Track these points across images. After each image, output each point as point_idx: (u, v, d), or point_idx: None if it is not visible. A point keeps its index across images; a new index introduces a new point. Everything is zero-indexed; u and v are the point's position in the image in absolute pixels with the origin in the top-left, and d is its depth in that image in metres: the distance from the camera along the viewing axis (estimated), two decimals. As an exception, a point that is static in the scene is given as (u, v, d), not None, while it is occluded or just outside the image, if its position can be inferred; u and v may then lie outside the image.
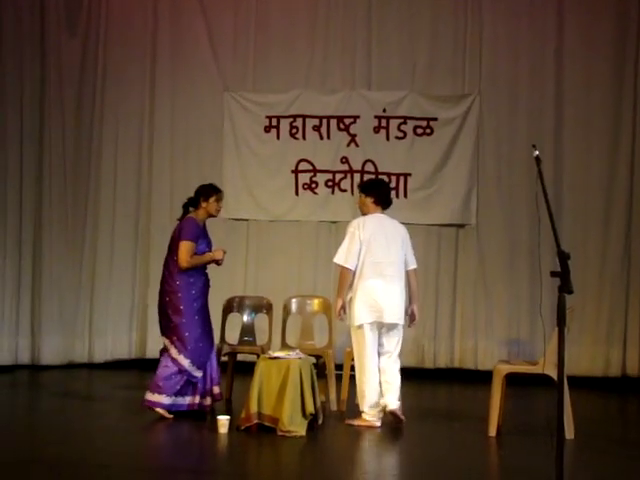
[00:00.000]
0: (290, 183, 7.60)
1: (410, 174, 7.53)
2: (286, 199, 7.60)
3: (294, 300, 6.37)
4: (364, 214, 5.26)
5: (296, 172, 7.62)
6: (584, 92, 7.38)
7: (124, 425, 5.39)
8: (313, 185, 7.60)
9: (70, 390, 6.58)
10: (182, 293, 5.34)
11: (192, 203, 5.47)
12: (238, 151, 7.60)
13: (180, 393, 5.42)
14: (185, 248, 5.27)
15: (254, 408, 4.95)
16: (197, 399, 5.43)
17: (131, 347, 7.72)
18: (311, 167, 7.61)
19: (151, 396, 5.46)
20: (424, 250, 7.29)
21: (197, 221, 5.37)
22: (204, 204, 5.37)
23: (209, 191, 5.43)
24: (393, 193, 7.07)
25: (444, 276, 7.52)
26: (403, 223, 5.92)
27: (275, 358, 5.08)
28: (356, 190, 6.08)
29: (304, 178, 7.60)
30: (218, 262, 5.44)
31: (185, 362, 5.39)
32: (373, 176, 7.41)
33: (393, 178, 7.50)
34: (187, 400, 5.40)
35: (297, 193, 7.60)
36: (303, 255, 7.61)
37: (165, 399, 5.45)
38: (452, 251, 7.53)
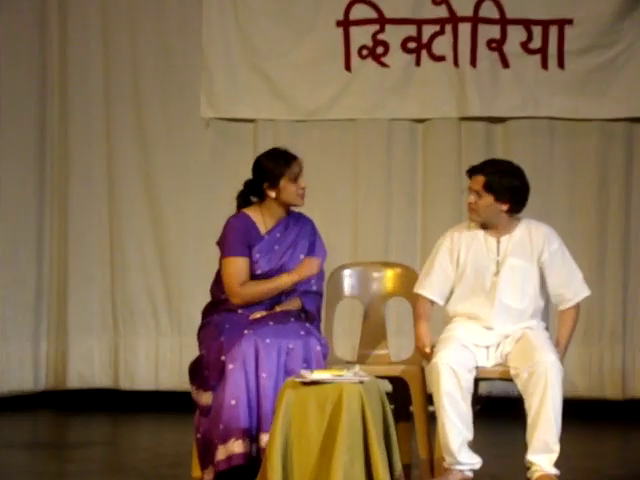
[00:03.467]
0: (335, 46, 5.64)
1: (570, 21, 5.44)
2: (329, 78, 5.66)
3: (347, 271, 4.82)
4: (478, 222, 4.20)
5: (346, 24, 5.61)
6: None
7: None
8: (379, 49, 5.59)
9: None
10: None
11: (252, 191, 4.35)
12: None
13: None
14: (227, 269, 4.30)
15: (276, 478, 3.92)
16: None
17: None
18: (375, 13, 5.59)
19: None
20: (595, 165, 5.63)
21: (249, 220, 4.31)
22: (271, 192, 4.23)
23: (275, 168, 4.24)
24: (537, 59, 5.55)
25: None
26: (550, 118, 5.39)
27: (314, 383, 3.90)
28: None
29: (362, 36, 5.63)
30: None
31: None
32: (498, 27, 5.50)
33: (536, 30, 5.48)
34: None
35: (348, 66, 5.62)
36: (361, 185, 5.74)
37: None
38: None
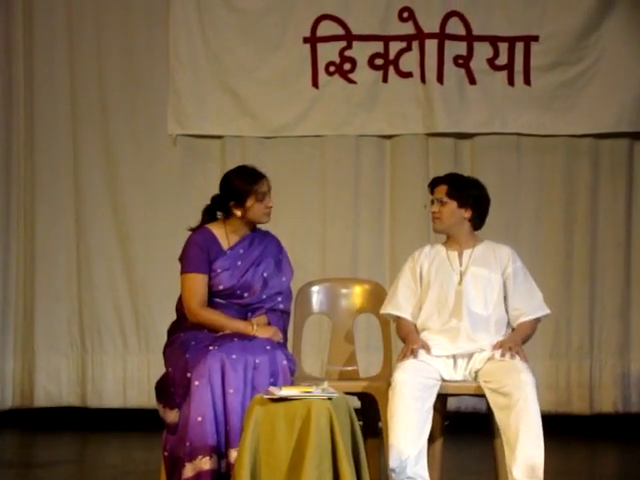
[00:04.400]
0: (302, 63, 5.67)
1: (536, 38, 5.49)
2: (296, 95, 5.72)
3: (315, 288, 4.87)
4: (441, 231, 4.30)
5: (313, 40, 5.66)
6: None
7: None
8: (346, 66, 5.63)
9: None
10: None
11: (219, 207, 4.32)
12: (198, 6, 5.64)
13: None
14: (185, 285, 4.25)
15: (245, 495, 4.27)
16: None
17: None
18: (342, 30, 5.64)
19: None
20: (562, 180, 5.67)
21: (211, 235, 4.28)
22: (237, 211, 4.22)
23: (242, 187, 4.25)
24: (503, 75, 5.70)
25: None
26: (517, 134, 5.46)
27: (282, 400, 3.88)
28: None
29: (329, 52, 5.66)
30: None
31: None
32: (464, 43, 5.60)
33: (502, 47, 5.54)
34: None
35: (316, 83, 5.66)
36: (329, 201, 5.79)
37: None
38: (621, 180, 5.58)
